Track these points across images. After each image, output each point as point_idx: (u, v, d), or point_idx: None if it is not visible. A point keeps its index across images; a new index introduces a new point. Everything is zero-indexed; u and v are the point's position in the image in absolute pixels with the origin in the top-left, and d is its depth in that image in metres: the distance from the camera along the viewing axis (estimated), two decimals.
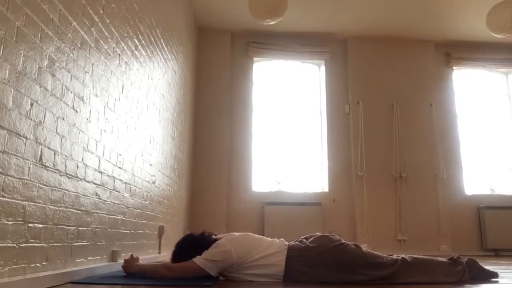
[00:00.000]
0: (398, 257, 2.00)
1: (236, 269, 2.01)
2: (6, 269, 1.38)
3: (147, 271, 2.02)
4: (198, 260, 1.95)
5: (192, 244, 2.07)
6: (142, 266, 2.09)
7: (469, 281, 1.98)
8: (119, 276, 2.07)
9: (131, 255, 2.19)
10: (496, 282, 2.02)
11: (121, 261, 2.45)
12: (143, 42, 2.93)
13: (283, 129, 5.89)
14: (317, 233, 2.12)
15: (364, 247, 2.06)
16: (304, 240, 2.09)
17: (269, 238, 2.16)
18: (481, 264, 2.10)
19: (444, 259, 2.04)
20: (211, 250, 1.99)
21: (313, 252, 1.99)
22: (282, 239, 2.15)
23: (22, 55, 1.45)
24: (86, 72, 1.99)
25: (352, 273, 1.95)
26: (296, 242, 2.09)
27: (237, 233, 2.14)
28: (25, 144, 1.48)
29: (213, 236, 2.13)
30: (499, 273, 2.14)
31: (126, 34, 2.56)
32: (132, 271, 2.07)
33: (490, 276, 2.05)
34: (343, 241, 2.04)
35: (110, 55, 2.30)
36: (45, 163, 1.61)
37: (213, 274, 1.97)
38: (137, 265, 2.10)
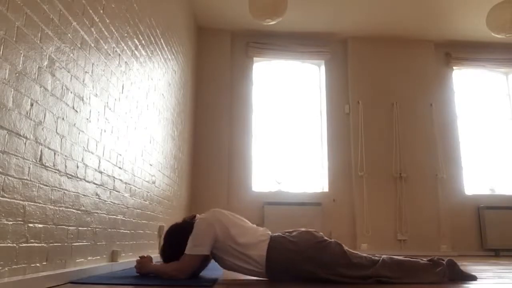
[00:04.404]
0: (378, 258, 1.98)
1: (222, 245, 1.98)
2: (6, 269, 1.38)
3: (160, 272, 2.01)
4: (188, 250, 1.96)
5: (178, 232, 2.07)
6: (156, 266, 2.07)
7: (448, 282, 1.96)
8: (120, 276, 2.07)
9: (143, 256, 2.17)
10: (475, 283, 2.00)
11: (121, 261, 2.45)
12: (143, 42, 2.93)
13: (283, 129, 5.89)
14: (302, 229, 2.11)
15: (346, 247, 2.04)
16: (287, 233, 2.08)
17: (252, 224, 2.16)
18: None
19: (424, 261, 2.03)
20: (194, 232, 1.98)
21: (294, 246, 1.98)
22: (266, 228, 2.14)
23: (22, 55, 1.45)
24: (86, 72, 1.99)
25: (331, 271, 1.93)
26: (279, 234, 2.08)
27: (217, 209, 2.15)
28: (25, 144, 1.48)
29: (196, 217, 2.11)
30: (500, 274, 2.13)
31: (126, 34, 2.56)
32: (146, 271, 2.07)
33: (468, 279, 2.03)
34: (326, 238, 2.03)
35: (110, 55, 2.30)
36: (45, 163, 1.61)
37: (207, 252, 1.97)
38: (151, 265, 2.09)
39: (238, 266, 2.01)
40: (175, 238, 2.07)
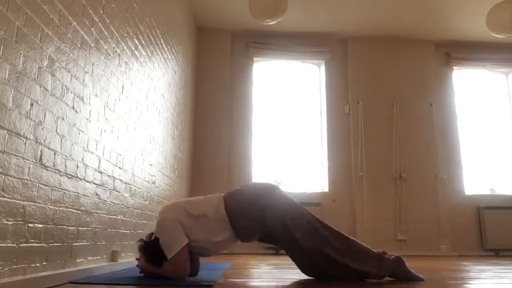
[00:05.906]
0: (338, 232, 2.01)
1: (188, 227, 1.97)
2: (6, 269, 1.38)
3: (161, 275, 1.98)
4: (170, 253, 1.93)
5: (151, 248, 2.05)
6: (156, 270, 2.01)
7: (384, 277, 1.97)
8: (120, 276, 2.07)
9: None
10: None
11: (121, 261, 2.45)
12: (143, 42, 2.93)
13: (283, 129, 5.89)
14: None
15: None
16: (236, 189, 2.13)
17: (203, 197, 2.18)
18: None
19: (374, 251, 2.00)
20: (162, 238, 1.97)
21: (245, 194, 2.04)
22: (219, 193, 2.17)
23: (22, 55, 1.45)
24: (86, 72, 1.99)
25: (291, 215, 2.07)
26: (229, 191, 2.12)
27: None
28: (25, 144, 1.48)
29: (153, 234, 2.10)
30: (500, 274, 2.12)
31: (126, 34, 2.56)
32: (148, 272, 2.06)
33: (413, 279, 1.98)
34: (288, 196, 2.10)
35: (110, 55, 2.30)
36: (45, 163, 1.61)
37: (186, 240, 1.95)
38: (152, 269, 2.03)
39: (212, 242, 2.00)
40: (151, 255, 2.04)
